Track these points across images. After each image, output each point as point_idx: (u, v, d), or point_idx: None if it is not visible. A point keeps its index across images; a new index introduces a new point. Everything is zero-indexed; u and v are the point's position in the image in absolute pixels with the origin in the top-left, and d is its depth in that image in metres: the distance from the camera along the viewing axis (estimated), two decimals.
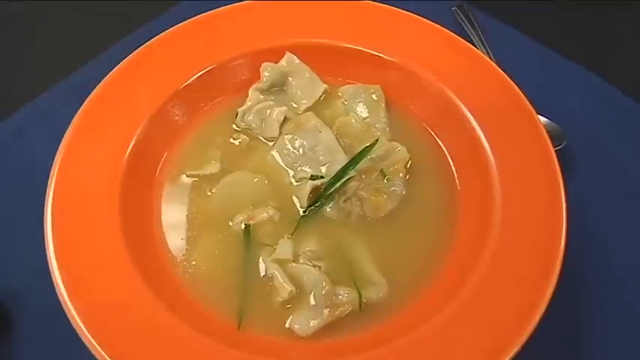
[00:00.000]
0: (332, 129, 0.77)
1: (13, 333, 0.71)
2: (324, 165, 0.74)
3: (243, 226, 0.70)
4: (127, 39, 1.01)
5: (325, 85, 0.83)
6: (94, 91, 0.76)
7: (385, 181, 0.73)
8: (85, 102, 0.75)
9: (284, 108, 0.80)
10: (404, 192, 0.73)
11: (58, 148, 0.71)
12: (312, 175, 0.73)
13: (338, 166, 0.73)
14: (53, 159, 0.70)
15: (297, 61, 0.83)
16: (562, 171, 0.67)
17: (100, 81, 0.77)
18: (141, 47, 0.81)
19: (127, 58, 0.80)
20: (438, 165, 0.77)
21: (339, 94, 0.83)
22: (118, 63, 0.80)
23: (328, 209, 0.71)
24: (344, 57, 0.84)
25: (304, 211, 0.71)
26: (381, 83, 0.83)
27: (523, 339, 0.56)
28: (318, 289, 0.64)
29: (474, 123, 0.75)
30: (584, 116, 0.92)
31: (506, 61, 0.87)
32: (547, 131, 0.72)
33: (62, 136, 0.72)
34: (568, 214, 0.64)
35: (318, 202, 0.71)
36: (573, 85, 0.96)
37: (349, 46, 0.84)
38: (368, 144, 0.73)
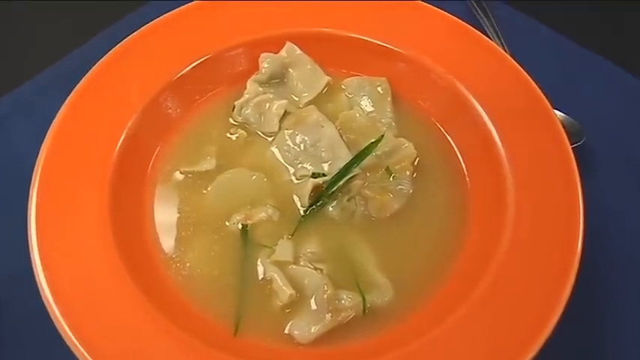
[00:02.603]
0: (335, 124, 0.78)
1: None
2: (327, 162, 0.76)
3: (240, 226, 0.71)
4: (114, 27, 1.03)
5: (328, 78, 0.85)
6: (82, 81, 0.77)
7: (391, 179, 0.74)
8: (72, 93, 0.76)
9: (284, 101, 0.81)
10: (411, 191, 0.74)
11: (42, 141, 0.72)
12: (313, 173, 0.75)
13: (341, 163, 0.74)
14: (37, 154, 0.71)
15: (299, 51, 0.84)
16: (580, 169, 0.68)
17: (86, 71, 0.78)
18: (132, 35, 0.82)
19: (117, 46, 0.81)
20: (447, 162, 0.78)
21: (343, 86, 0.85)
22: (105, 52, 0.81)
23: (331, 209, 0.72)
24: (348, 47, 0.85)
25: (305, 211, 0.72)
26: (387, 75, 0.84)
27: (537, 346, 0.57)
28: (320, 293, 0.65)
29: (485, 118, 0.76)
30: (605, 111, 0.93)
31: (522, 53, 0.88)
32: (564, 127, 0.73)
33: (47, 129, 0.73)
34: (585, 215, 0.65)
35: (320, 202, 0.72)
36: (594, 79, 0.97)
37: (354, 35, 0.85)
38: (373, 140, 0.75)
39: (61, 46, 1.02)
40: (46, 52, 1.08)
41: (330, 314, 0.64)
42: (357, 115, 0.80)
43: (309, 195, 0.72)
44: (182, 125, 0.82)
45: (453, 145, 0.80)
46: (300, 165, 0.76)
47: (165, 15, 0.85)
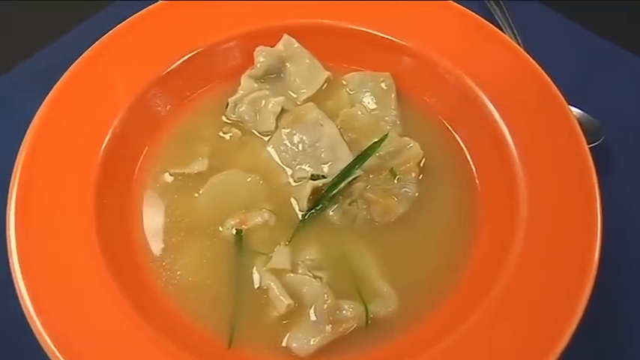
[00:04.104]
0: (335, 122, 0.79)
1: None
2: (327, 163, 0.77)
3: (234, 232, 0.72)
4: (97, 17, 1.04)
5: (328, 73, 0.86)
6: (64, 76, 0.79)
7: (395, 181, 0.76)
8: (54, 89, 0.77)
9: (281, 98, 0.82)
10: (416, 194, 0.76)
11: (21, 141, 0.73)
12: (312, 175, 0.76)
13: (342, 165, 0.75)
14: (15, 154, 0.72)
15: (297, 44, 0.86)
16: (598, 170, 0.70)
17: (67, 65, 0.79)
18: (117, 27, 0.84)
19: (102, 38, 0.82)
20: (455, 163, 0.79)
21: (344, 82, 0.86)
22: (88, 45, 0.81)
23: (331, 213, 0.74)
24: (349, 40, 0.87)
25: (304, 215, 0.74)
26: (391, 70, 0.85)
27: (553, 358, 0.58)
28: (319, 303, 0.66)
29: (496, 116, 0.77)
30: (626, 109, 0.94)
31: (536, 45, 0.90)
32: (582, 125, 0.74)
33: (26, 128, 0.74)
34: (603, 218, 0.66)
35: (320, 205, 0.74)
36: (614, 73, 0.99)
37: (355, 27, 0.86)
38: (376, 139, 0.76)
39: (38, 38, 1.03)
40: (22, 44, 1.09)
41: (330, 325, 0.65)
42: (359, 112, 0.81)
43: (308, 198, 0.73)
44: (172, 124, 0.83)
45: (462, 144, 0.81)
46: (298, 166, 0.78)
47: (153, 5, 0.86)
